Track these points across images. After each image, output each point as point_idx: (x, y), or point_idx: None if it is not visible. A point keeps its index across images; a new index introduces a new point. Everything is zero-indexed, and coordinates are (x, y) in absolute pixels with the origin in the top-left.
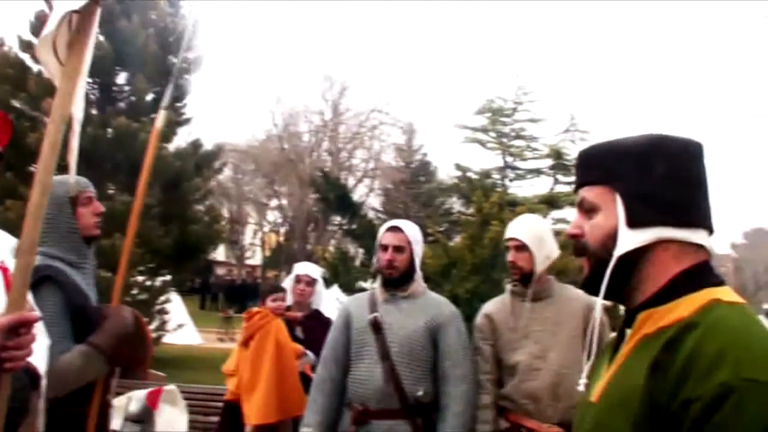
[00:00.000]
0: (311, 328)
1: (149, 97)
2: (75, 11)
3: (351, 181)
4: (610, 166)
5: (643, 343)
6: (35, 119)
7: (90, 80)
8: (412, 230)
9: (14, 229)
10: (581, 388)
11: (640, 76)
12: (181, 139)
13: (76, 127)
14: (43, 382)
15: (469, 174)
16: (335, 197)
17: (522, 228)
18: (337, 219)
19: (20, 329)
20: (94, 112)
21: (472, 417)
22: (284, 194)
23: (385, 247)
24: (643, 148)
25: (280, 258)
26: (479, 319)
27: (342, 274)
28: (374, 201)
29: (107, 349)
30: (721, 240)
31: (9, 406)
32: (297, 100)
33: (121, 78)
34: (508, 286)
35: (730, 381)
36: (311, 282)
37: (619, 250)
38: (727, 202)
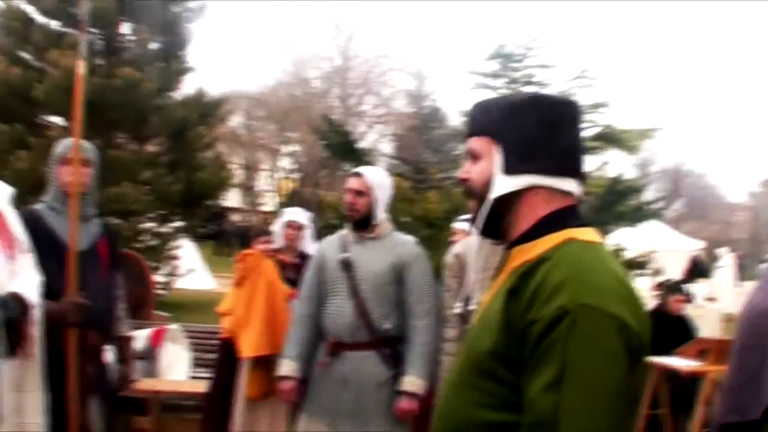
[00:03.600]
0: (300, 268)
1: (152, 46)
2: None
3: (362, 128)
4: (492, 119)
5: (510, 275)
6: (42, 70)
7: (95, 31)
8: (374, 176)
9: (25, 179)
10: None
11: (648, 25)
12: (188, 88)
13: None
14: (36, 312)
15: None
16: (339, 143)
17: None
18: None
19: None
20: (99, 62)
21: (436, 348)
22: (296, 140)
23: (348, 191)
24: (521, 104)
25: (294, 204)
26: (449, 257)
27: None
28: (386, 147)
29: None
30: (739, 189)
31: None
32: (305, 46)
33: (125, 28)
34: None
35: (566, 305)
36: (299, 227)
37: (494, 193)
38: (746, 154)
